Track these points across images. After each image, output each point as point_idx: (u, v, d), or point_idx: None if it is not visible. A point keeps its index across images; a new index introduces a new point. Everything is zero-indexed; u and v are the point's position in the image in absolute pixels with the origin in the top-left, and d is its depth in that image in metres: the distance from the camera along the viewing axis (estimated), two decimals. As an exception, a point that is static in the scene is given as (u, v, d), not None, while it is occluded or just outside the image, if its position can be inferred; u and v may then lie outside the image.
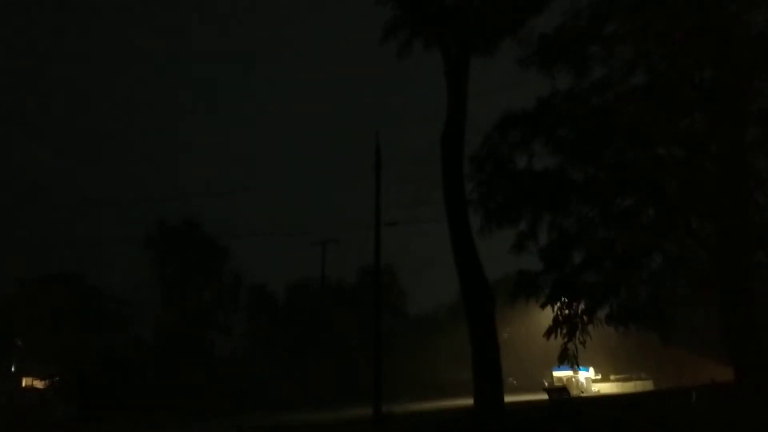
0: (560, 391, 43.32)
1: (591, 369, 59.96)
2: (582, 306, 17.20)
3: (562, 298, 17.30)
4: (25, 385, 44.18)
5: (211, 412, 39.21)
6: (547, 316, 18.27)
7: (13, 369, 43.91)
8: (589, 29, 17.58)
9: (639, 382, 55.30)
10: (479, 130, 18.44)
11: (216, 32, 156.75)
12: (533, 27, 18.00)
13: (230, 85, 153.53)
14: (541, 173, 17.75)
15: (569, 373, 56.19)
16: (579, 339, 17.17)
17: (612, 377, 60.20)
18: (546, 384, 51.27)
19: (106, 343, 45.28)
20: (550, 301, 17.38)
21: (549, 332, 17.44)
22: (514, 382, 55.72)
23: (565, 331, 17.10)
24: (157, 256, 52.11)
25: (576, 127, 17.54)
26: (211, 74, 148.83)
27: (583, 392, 53.31)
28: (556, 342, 17.71)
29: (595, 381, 59.75)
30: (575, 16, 17.55)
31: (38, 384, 42.82)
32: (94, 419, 34.12)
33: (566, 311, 17.25)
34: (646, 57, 17.59)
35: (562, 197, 17.66)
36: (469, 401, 16.90)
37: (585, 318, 17.14)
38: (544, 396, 41.09)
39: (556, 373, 56.21)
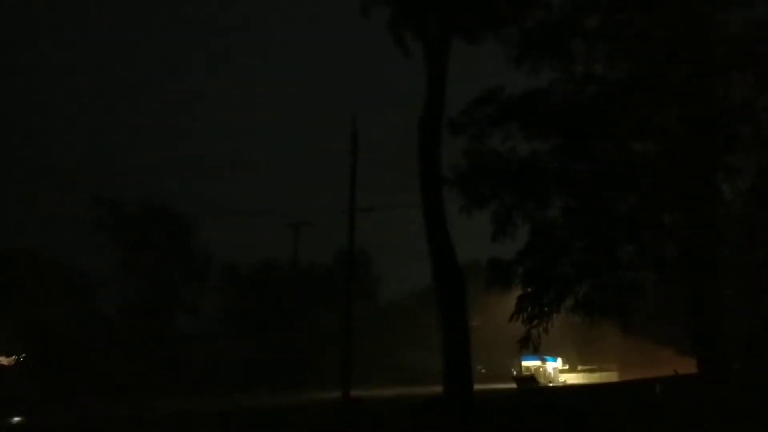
0: (528, 381, 44.03)
1: (559, 359, 60.89)
2: (551, 295, 17.37)
3: (534, 287, 17.43)
4: (-9, 362, 43.47)
5: (171, 391, 38.99)
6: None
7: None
8: (572, 24, 17.71)
9: (605, 373, 56.30)
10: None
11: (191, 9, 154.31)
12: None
13: (204, 62, 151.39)
14: (519, 161, 17.87)
15: (537, 362, 57.12)
16: (542, 326, 17.32)
17: (579, 368, 61.21)
18: (514, 373, 51.95)
19: (70, 319, 44.67)
20: (525, 290, 17.51)
21: (513, 316, 17.57)
22: (483, 371, 56.29)
23: (525, 316, 17.25)
24: (113, 235, 51.24)
25: (555, 117, 17.66)
26: (186, 50, 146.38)
27: (550, 382, 54.11)
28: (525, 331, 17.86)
29: (562, 371, 60.67)
30: (559, 9, 17.70)
31: (3, 361, 42.18)
32: (57, 396, 33.74)
33: (534, 299, 17.40)
34: (625, 52, 17.78)
35: (540, 188, 17.82)
36: (439, 389, 17.03)
37: (552, 306, 17.35)
38: (513, 385, 41.66)
39: (525, 363, 56.95)
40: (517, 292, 18.25)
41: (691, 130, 16.81)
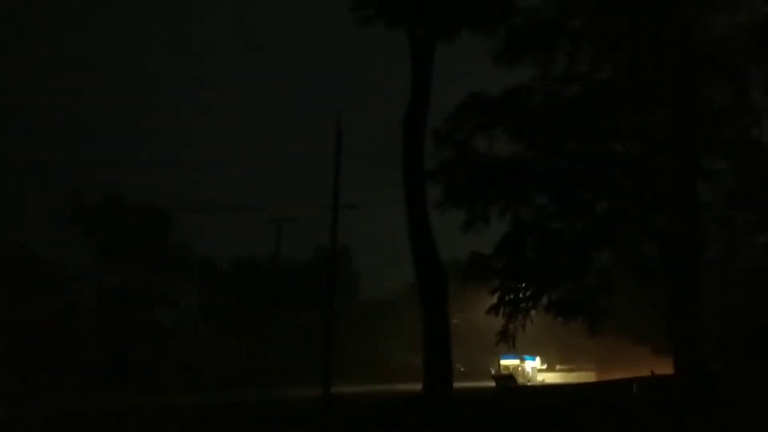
0: (507, 379, 44.40)
1: (537, 358, 61.40)
2: (528, 292, 17.63)
3: (512, 283, 17.69)
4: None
5: (150, 385, 38.70)
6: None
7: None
8: (556, 24, 17.78)
9: (583, 373, 56.87)
10: (444, 115, 18.58)
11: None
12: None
13: (188, 59, 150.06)
14: (503, 160, 18.01)
15: (516, 361, 57.58)
16: (520, 322, 17.57)
17: (557, 367, 61.76)
18: (493, 371, 52.33)
19: (49, 311, 44.23)
20: (501, 286, 17.76)
21: (491, 309, 17.84)
22: (462, 369, 56.54)
23: (507, 311, 17.52)
24: (87, 229, 50.77)
25: (538, 117, 17.79)
26: (171, 47, 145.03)
27: (528, 381, 54.52)
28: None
29: (540, 370, 61.14)
30: (543, 10, 17.76)
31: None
32: (36, 389, 33.35)
33: (512, 295, 17.65)
34: (610, 54, 17.90)
35: (521, 186, 17.98)
36: (420, 386, 17.04)
37: (529, 303, 17.59)
38: (492, 383, 41.96)
39: (504, 362, 57.38)
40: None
41: (674, 132, 16.96)
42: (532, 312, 17.84)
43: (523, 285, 17.74)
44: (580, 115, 17.64)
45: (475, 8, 18.07)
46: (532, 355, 59.81)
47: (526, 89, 18.10)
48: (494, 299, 18.05)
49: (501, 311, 17.66)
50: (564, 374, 58.80)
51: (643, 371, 28.15)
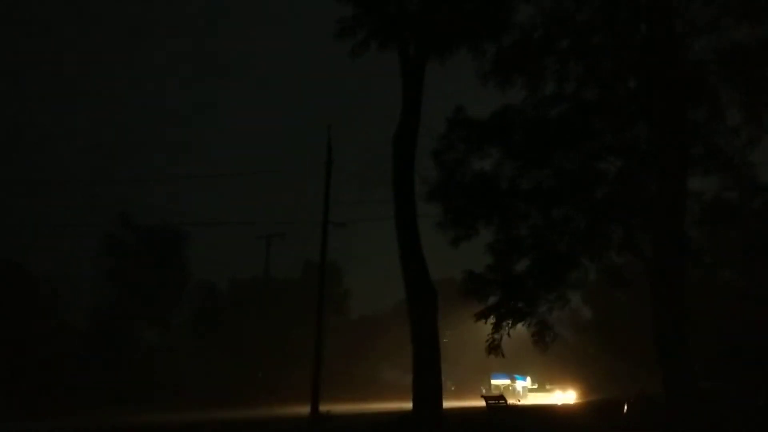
0: (497, 399, 44.15)
1: (528, 378, 61.29)
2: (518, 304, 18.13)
3: (504, 299, 18.02)
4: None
5: (140, 404, 38.34)
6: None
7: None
8: (544, 45, 18.03)
9: (573, 392, 56.70)
10: (434, 132, 18.86)
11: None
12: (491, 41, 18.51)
13: (183, 72, 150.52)
14: (492, 178, 18.31)
15: (507, 381, 57.48)
16: (507, 331, 18.22)
17: (548, 387, 61.57)
18: (484, 391, 52.12)
19: (36, 330, 43.69)
20: (494, 307, 18.05)
21: (479, 315, 18.52)
22: (453, 388, 56.34)
23: (493, 321, 18.21)
24: (108, 251, 50.47)
25: (526, 136, 18.03)
26: (164, 63, 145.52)
27: (519, 401, 54.33)
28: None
29: (531, 390, 60.95)
30: (531, 30, 18.03)
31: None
32: (22, 408, 32.96)
33: (502, 309, 18.36)
34: (596, 72, 18.14)
35: (511, 205, 18.26)
36: (409, 404, 16.96)
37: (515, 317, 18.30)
38: (482, 402, 41.73)
39: (494, 381, 57.28)
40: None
41: (656, 149, 17.16)
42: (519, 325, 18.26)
43: (512, 299, 18.16)
44: (566, 132, 17.88)
45: (466, 27, 18.26)
46: (523, 375, 59.73)
47: (515, 110, 18.39)
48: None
49: (488, 320, 18.26)
50: (555, 394, 58.58)
51: (634, 390, 28.11)
